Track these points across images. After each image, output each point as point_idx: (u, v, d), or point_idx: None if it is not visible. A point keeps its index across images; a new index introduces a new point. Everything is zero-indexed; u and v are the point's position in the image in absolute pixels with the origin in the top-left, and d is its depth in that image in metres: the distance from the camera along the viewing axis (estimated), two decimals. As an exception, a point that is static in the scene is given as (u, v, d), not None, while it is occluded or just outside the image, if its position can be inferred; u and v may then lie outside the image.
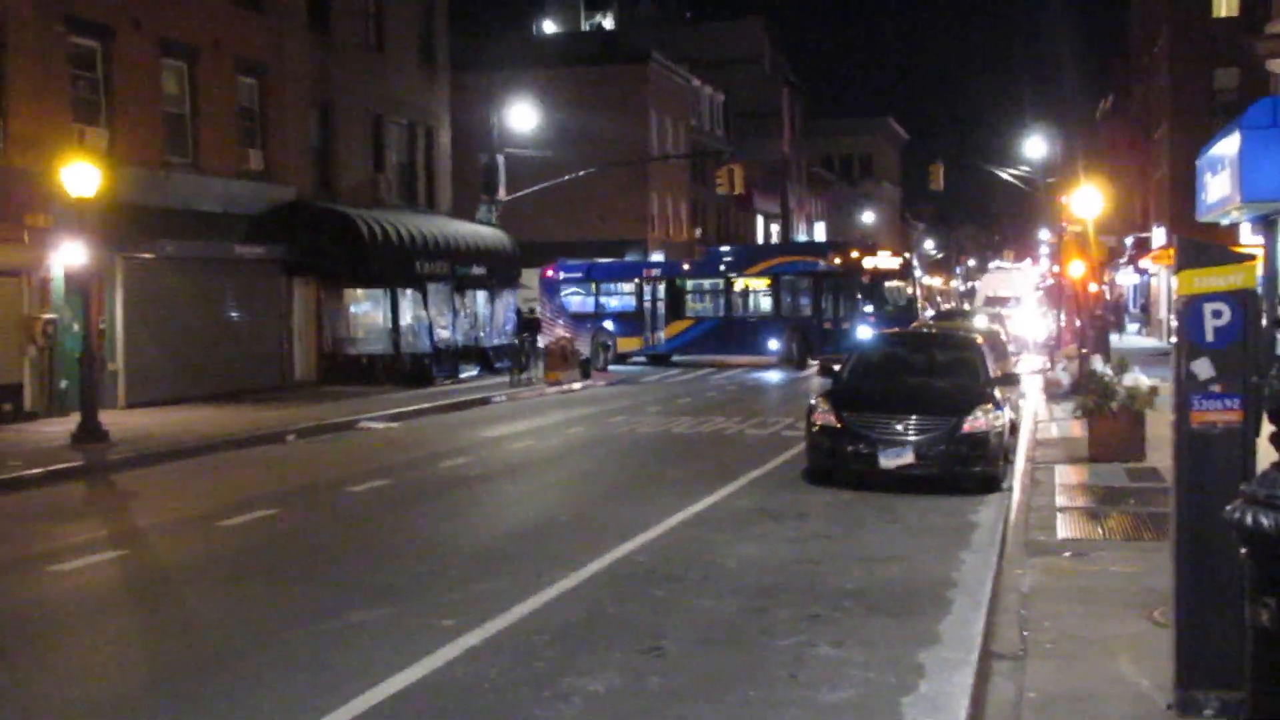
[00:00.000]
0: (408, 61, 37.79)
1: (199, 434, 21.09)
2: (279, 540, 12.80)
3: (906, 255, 45.08)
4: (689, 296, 43.55)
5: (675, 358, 43.66)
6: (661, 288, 43.73)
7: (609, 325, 44.33)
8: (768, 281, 42.34)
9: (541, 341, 37.72)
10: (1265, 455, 6.18)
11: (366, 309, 34.41)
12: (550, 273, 46.49)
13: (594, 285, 45.40)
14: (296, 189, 31.58)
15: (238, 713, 7.27)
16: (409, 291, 33.29)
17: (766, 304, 42.41)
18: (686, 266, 45.48)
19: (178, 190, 27.16)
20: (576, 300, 45.34)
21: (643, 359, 43.72)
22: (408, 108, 37.59)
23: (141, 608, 10.20)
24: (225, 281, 28.68)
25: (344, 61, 34.26)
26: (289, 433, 21.92)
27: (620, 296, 44.80)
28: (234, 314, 29.13)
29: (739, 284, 42.89)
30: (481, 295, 37.52)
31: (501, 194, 40.73)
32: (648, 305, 43.85)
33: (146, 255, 25.94)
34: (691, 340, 43.16)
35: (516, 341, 36.29)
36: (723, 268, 43.69)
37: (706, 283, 43.62)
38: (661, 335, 43.56)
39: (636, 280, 44.83)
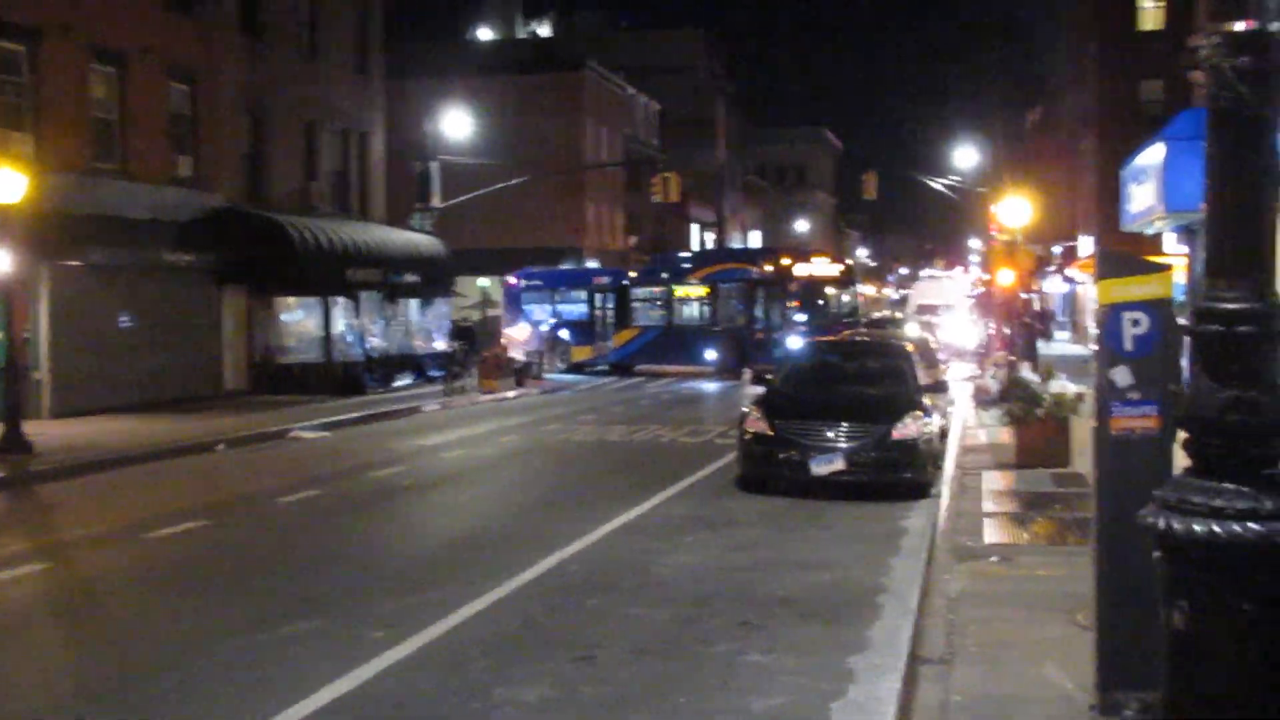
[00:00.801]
0: (342, 68, 37.54)
1: (127, 444, 20.80)
2: (209, 552, 12.67)
3: (849, 262, 43.61)
4: (635, 305, 42.88)
5: (638, 366, 42.70)
6: (611, 296, 43.31)
7: (564, 334, 43.97)
8: (705, 290, 41.42)
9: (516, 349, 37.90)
10: (1182, 461, 6.33)
11: (298, 317, 34.10)
12: (513, 280, 46.33)
13: (552, 293, 45.09)
14: (227, 196, 31.24)
15: (165, 726, 7.19)
16: (341, 300, 33.07)
17: (705, 312, 41.48)
18: (633, 275, 45.00)
19: (106, 197, 26.78)
20: (536, 309, 45.09)
21: (604, 368, 42.87)
22: (341, 114, 37.33)
23: (68, 621, 10.06)
24: (154, 289, 28.30)
25: (277, 68, 33.97)
26: (219, 443, 21.69)
27: (575, 305, 44.38)
28: (163, 322, 28.72)
29: (679, 292, 42.14)
30: (415, 303, 37.34)
31: (436, 201, 40.56)
32: (599, 314, 43.43)
33: (73, 263, 25.55)
34: (639, 349, 42.46)
35: (450, 350, 36.17)
36: (665, 275, 43.12)
37: (651, 291, 42.98)
38: (610, 344, 43.05)
39: (587, 289, 44.44)
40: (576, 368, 43.09)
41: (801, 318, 38.09)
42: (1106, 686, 6.53)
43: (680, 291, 42.23)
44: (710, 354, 40.11)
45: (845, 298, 41.07)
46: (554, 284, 45.80)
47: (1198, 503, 4.21)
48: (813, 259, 41.22)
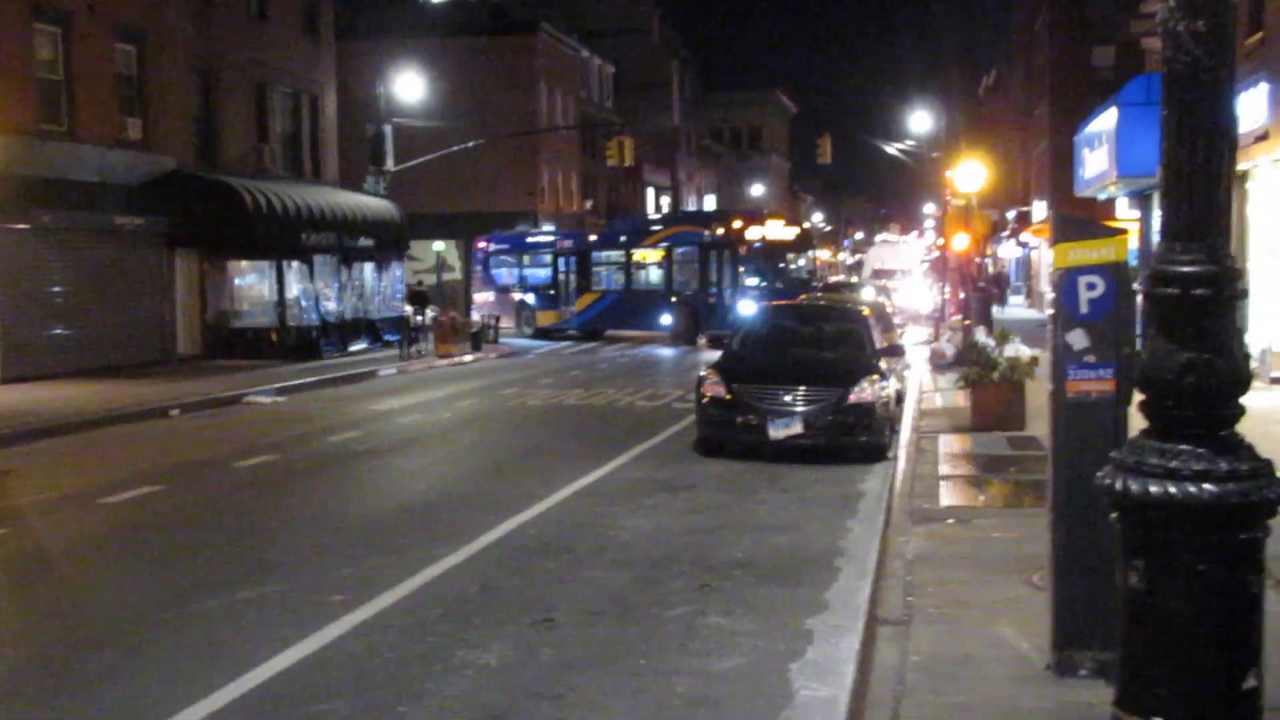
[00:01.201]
0: (292, 28, 37.08)
1: (78, 410, 20.59)
2: (163, 517, 12.58)
3: (805, 226, 41.98)
4: (595, 270, 42.44)
5: (605, 331, 42.21)
6: (574, 261, 42.94)
7: (530, 299, 43.64)
8: (661, 254, 40.67)
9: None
10: (1137, 424, 6.41)
11: (251, 281, 33.79)
12: (482, 244, 45.99)
13: (520, 257, 44.74)
14: (177, 158, 30.85)
15: (120, 692, 7.15)
16: (295, 263, 32.79)
17: (660, 277, 40.84)
18: (593, 238, 44.79)
19: (53, 159, 26.39)
20: (504, 273, 44.79)
21: (573, 333, 42.46)
22: (292, 76, 36.91)
23: (19, 588, 9.97)
24: (104, 253, 27.96)
25: (226, 28, 33.50)
26: (172, 408, 21.50)
27: (540, 269, 43.98)
28: (114, 286, 28.39)
29: (636, 256, 41.60)
30: (369, 267, 37.10)
31: (389, 165, 40.22)
32: (562, 278, 43.06)
33: (21, 226, 25.20)
34: (598, 314, 42.02)
35: (405, 314, 35.99)
36: (623, 239, 42.46)
37: (610, 255, 42.50)
38: (573, 309, 42.65)
39: (551, 253, 44.01)
40: (543, 333, 42.71)
41: (754, 282, 37.25)
42: (1062, 645, 6.63)
43: (637, 256, 41.69)
44: (665, 319, 39.61)
45: (801, 262, 40.27)
46: (519, 248, 45.42)
47: (1154, 464, 4.26)
48: (767, 222, 39.81)
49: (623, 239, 42.75)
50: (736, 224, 38.50)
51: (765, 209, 67.45)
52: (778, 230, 39.09)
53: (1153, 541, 4.28)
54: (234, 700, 6.96)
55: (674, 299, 39.53)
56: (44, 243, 25.97)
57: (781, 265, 38.56)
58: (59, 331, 26.30)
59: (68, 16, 27.20)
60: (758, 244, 37.71)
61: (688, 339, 38.54)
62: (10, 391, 22.77)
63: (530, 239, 46.85)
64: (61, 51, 27.31)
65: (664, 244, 40.71)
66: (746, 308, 33.46)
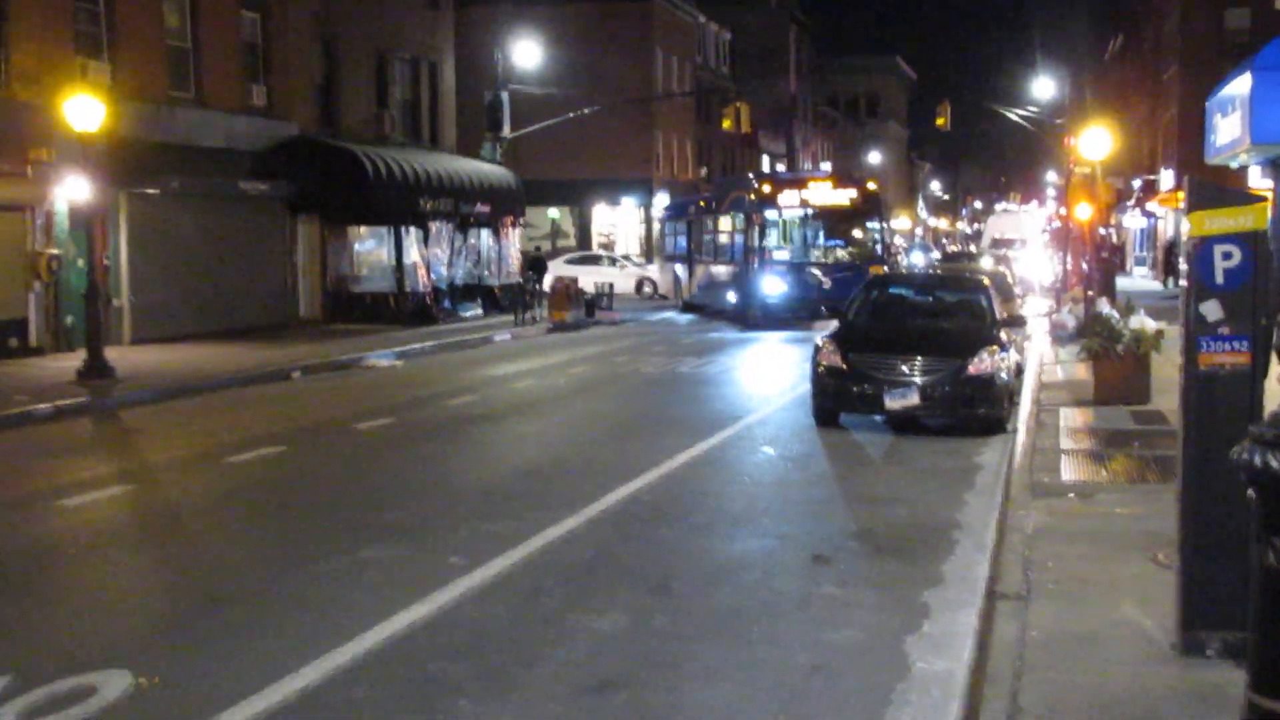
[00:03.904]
0: (412, -3, 37.45)
1: (205, 371, 21.12)
2: (287, 477, 12.86)
3: (870, 186, 34.71)
4: (700, 238, 38.99)
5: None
6: (685, 227, 40.25)
7: (679, 268, 40.67)
8: (728, 220, 35.88)
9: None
10: (1274, 397, 6.20)
11: (370, 247, 34.31)
12: (665, 212, 44.82)
13: (674, 225, 42.51)
14: (300, 125, 31.40)
15: (247, 648, 7.33)
16: (413, 229, 33.19)
17: (729, 245, 35.79)
18: (693, 207, 41.56)
19: (181, 125, 27.02)
20: (668, 243, 43.08)
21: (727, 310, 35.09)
22: (412, 43, 37.29)
23: (150, 544, 10.27)
24: (229, 218, 28.57)
25: (348, -3, 33.96)
26: (294, 370, 21.96)
27: (678, 237, 41.33)
28: (238, 251, 29.01)
29: (710, 224, 37.82)
30: (486, 233, 37.39)
31: (506, 131, 40.45)
32: (694, 247, 39.59)
33: (150, 191, 25.85)
34: (702, 287, 38.08)
35: (521, 280, 36.23)
36: (712, 205, 38.13)
37: (700, 223, 38.95)
38: (695, 281, 38.82)
39: (686, 220, 40.58)
40: (688, 306, 38.89)
41: (783, 255, 32.78)
42: (1189, 625, 6.47)
43: (710, 224, 37.88)
44: (730, 296, 34.72)
45: (870, 228, 33.95)
46: (674, 216, 43.34)
47: (1296, 440, 4.12)
48: (810, 184, 33.99)
49: (712, 204, 38.52)
50: (766, 188, 33.48)
51: (831, 171, 59.75)
52: (824, 193, 33.30)
53: (1293, 520, 4.14)
54: (355, 658, 7.09)
55: (733, 271, 34.85)
56: (172, 208, 26.61)
57: (849, 232, 33.72)
58: (185, 295, 26.96)
59: (195, -15, 27.78)
60: (800, 209, 33.14)
61: (742, 320, 32.82)
62: (139, 353, 23.44)
63: (686, 204, 43.31)
64: (189, 19, 27.91)
65: (728, 210, 36.02)
66: (771, 284, 31.38)
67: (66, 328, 23.75)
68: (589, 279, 40.33)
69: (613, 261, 50.06)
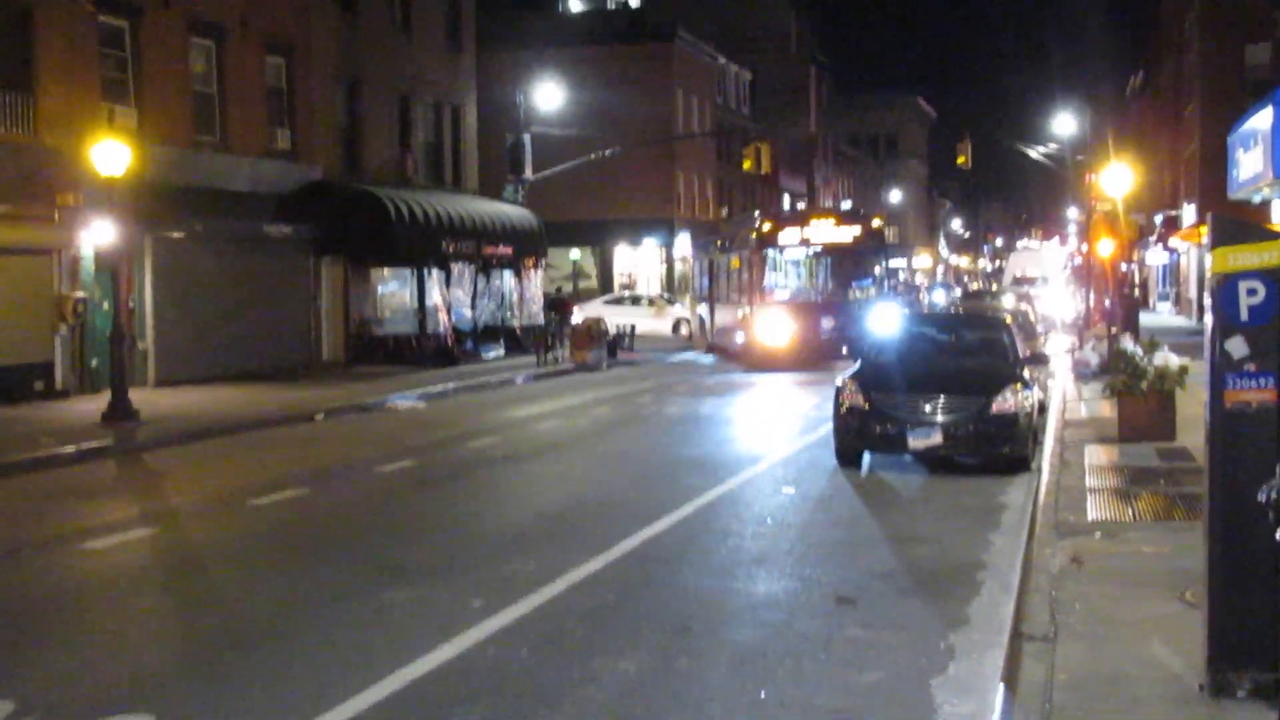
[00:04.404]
0: (434, 40, 37.77)
1: (228, 413, 21.20)
2: (310, 519, 12.87)
3: (875, 222, 34.36)
4: (721, 278, 38.46)
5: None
6: (714, 268, 39.37)
7: (703, 309, 40.02)
8: (735, 261, 35.49)
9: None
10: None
11: (393, 289, 34.48)
12: (693, 252, 44.07)
13: (708, 265, 41.17)
14: (324, 168, 31.65)
15: (271, 691, 7.33)
16: (435, 271, 33.33)
17: (738, 285, 35.07)
18: (719, 243, 40.72)
19: (206, 169, 27.27)
20: (699, 282, 42.00)
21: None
22: (434, 87, 37.59)
23: (174, 586, 10.28)
24: (253, 261, 28.76)
25: (371, 40, 34.26)
26: (318, 412, 22.01)
27: (707, 277, 40.39)
28: (262, 293, 29.18)
29: (727, 263, 37.02)
30: (508, 275, 37.52)
31: (528, 173, 40.65)
32: (714, 288, 38.99)
33: (176, 234, 26.06)
34: (720, 328, 37.80)
35: (543, 321, 36.29)
36: (726, 245, 37.94)
37: (721, 262, 38.19)
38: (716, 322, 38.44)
39: (710, 259, 39.56)
40: (711, 347, 38.23)
41: (783, 295, 32.25)
42: (1217, 665, 6.39)
43: (725, 264, 37.44)
44: (739, 336, 33.88)
45: (874, 267, 33.38)
46: (705, 254, 42.32)
47: (1325, 480, 4.08)
48: (812, 221, 33.71)
49: (718, 245, 38.98)
50: (767, 226, 33.22)
51: (838, 209, 58.40)
52: (827, 231, 32.81)
53: (1322, 561, 4.10)
54: (378, 701, 7.07)
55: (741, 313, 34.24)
56: (196, 251, 26.81)
57: (854, 270, 32.96)
58: (210, 337, 27.10)
59: (221, 31, 28.09)
60: (803, 247, 32.85)
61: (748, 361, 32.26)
62: (163, 395, 23.54)
63: (694, 246, 43.11)
64: (215, 65, 28.22)
65: (735, 251, 35.91)
66: (772, 324, 30.53)
67: (91, 370, 23.90)
68: (628, 319, 40.62)
69: (651, 303, 50.26)
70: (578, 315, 39.25)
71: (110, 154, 19.23)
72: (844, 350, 23.84)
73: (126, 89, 25.51)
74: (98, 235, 22.58)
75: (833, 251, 32.81)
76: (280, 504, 13.52)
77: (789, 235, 32.66)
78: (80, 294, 23.66)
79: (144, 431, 18.86)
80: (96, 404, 20.54)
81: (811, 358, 30.23)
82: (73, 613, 9.29)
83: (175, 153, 26.16)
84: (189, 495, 14.31)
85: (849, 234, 32.77)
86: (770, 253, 32.44)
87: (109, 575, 10.43)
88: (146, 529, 12.26)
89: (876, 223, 34.60)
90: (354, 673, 7.52)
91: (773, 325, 31.13)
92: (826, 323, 30.77)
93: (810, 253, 32.89)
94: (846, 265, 32.87)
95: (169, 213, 25.41)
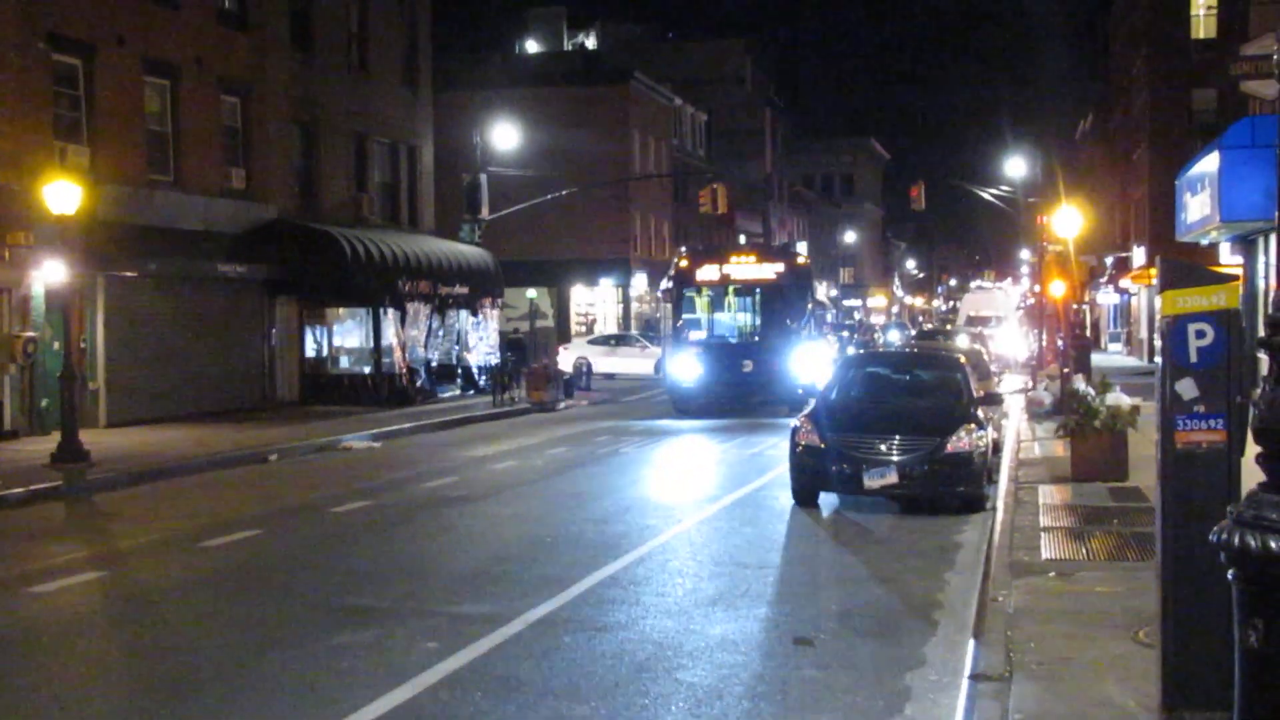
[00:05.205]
0: (391, 81, 37.77)
1: (180, 454, 20.97)
2: (261, 561, 12.72)
3: (799, 259, 33.56)
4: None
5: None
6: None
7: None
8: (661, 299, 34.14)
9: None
10: (1250, 476, 6.20)
11: (349, 328, 34.32)
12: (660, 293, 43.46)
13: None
14: (279, 208, 31.51)
15: (220, 737, 7.20)
16: (391, 311, 33.20)
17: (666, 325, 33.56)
18: (666, 283, 37.70)
19: (160, 209, 27.08)
20: (660, 322, 41.64)
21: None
22: (391, 127, 37.57)
23: (122, 629, 10.12)
24: (207, 300, 28.56)
25: (327, 81, 34.22)
26: (271, 452, 21.81)
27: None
28: (216, 333, 28.95)
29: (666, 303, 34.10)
30: (465, 314, 37.43)
31: (484, 213, 40.64)
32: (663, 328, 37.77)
33: (128, 274, 25.84)
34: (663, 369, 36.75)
35: (499, 361, 36.23)
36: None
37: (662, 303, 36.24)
38: None
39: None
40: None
41: (699, 334, 30.88)
42: (1171, 705, 6.42)
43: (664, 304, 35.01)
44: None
45: (802, 305, 31.30)
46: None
47: (1275, 519, 4.11)
48: (733, 258, 32.22)
49: (665, 285, 36.28)
50: (684, 263, 32.02)
51: (753, 243, 56.88)
52: (748, 269, 31.45)
53: (1274, 600, 4.12)
54: (329, 747, 6.97)
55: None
56: (149, 290, 26.60)
57: (778, 309, 31.00)
58: (162, 377, 26.85)
59: (176, 70, 27.98)
60: (722, 284, 31.28)
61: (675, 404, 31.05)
62: (115, 435, 23.28)
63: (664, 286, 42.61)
64: (170, 104, 28.08)
65: (662, 290, 34.43)
66: (687, 367, 29.48)
67: (41, 411, 23.60)
68: (610, 360, 41.83)
69: (634, 342, 49.83)
70: (566, 356, 39.12)
71: (62, 193, 19.04)
72: (767, 393, 22.56)
73: (80, 128, 25.33)
74: (49, 274, 22.36)
75: (756, 289, 31.30)
76: (232, 545, 13.36)
77: (708, 272, 31.25)
78: (31, 334, 23.39)
79: (94, 473, 18.58)
80: (46, 445, 20.22)
81: (729, 400, 29.52)
82: (17, 658, 9.11)
83: (129, 192, 25.98)
84: (139, 537, 14.11)
85: (771, 270, 31.40)
86: (688, 292, 31.26)
87: (55, 620, 10.25)
88: (95, 572, 12.07)
89: (801, 259, 33.76)
90: (305, 717, 7.41)
91: (687, 367, 30.05)
92: (746, 365, 29.76)
93: (731, 290, 31.46)
94: (773, 303, 31.14)
95: (122, 252, 25.20)
